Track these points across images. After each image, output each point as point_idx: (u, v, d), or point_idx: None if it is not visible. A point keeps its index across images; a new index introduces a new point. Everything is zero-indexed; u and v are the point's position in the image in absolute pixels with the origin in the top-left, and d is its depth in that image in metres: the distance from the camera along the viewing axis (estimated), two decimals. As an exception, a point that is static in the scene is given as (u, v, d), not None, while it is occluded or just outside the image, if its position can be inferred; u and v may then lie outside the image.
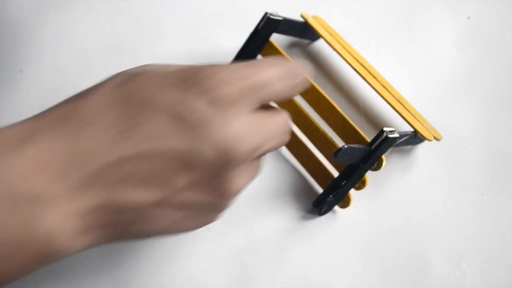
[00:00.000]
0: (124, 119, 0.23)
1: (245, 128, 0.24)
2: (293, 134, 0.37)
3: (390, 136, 0.33)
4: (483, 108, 0.41)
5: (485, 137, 0.40)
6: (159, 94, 0.23)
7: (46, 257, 0.22)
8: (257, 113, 0.25)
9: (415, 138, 0.37)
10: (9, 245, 0.20)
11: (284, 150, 0.40)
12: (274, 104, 0.29)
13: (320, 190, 0.38)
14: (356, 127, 0.36)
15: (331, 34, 0.40)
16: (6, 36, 0.44)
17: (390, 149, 0.34)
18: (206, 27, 0.46)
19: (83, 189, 0.22)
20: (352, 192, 0.37)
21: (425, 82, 0.42)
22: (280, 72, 0.26)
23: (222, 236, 0.38)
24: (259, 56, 0.40)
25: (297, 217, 0.38)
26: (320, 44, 0.44)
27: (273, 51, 0.39)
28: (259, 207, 0.38)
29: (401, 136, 0.34)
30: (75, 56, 0.45)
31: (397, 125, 0.40)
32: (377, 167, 0.35)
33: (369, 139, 0.34)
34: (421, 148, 0.39)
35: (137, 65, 0.26)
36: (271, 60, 0.28)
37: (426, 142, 0.39)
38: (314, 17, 0.41)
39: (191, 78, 0.23)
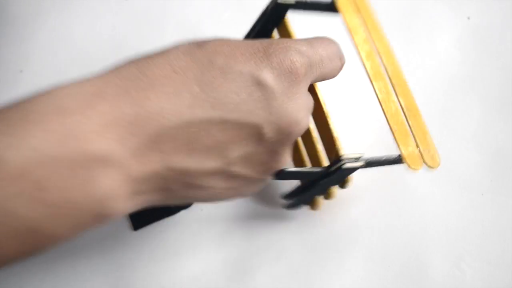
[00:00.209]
0: (197, 82, 0.22)
1: (304, 107, 0.25)
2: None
3: (347, 166, 0.29)
4: (483, 108, 0.41)
5: (485, 137, 0.40)
6: (235, 62, 0.23)
7: (99, 218, 0.21)
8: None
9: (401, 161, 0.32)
10: (68, 203, 0.20)
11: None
12: None
13: None
14: (337, 142, 0.31)
15: (362, 20, 0.33)
16: (6, 36, 0.44)
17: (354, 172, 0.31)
18: (206, 27, 0.46)
19: (147, 152, 0.21)
20: (352, 191, 0.37)
21: (425, 82, 0.42)
22: (332, 52, 0.27)
23: (222, 236, 0.38)
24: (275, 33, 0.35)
25: (297, 217, 0.38)
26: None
27: (287, 32, 0.34)
28: (259, 207, 0.38)
29: (372, 162, 0.30)
30: (75, 56, 0.45)
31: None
32: (343, 185, 0.33)
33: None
34: (421, 148, 0.40)
35: None
36: (323, 39, 0.28)
37: None
38: None
39: (265, 50, 0.24)
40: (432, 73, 0.42)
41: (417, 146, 0.31)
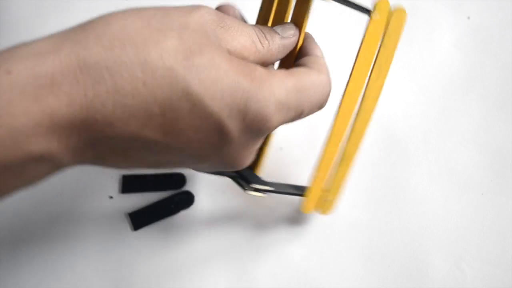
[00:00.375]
0: (161, 105, 0.21)
1: (255, 150, 0.26)
2: None
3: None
4: (483, 108, 0.41)
5: (485, 137, 0.40)
6: (211, 101, 0.22)
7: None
8: None
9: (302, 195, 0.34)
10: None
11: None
12: None
13: None
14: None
15: (382, 40, 0.30)
16: (6, 36, 0.44)
17: None
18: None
19: (82, 148, 0.21)
20: (352, 191, 0.37)
21: (425, 82, 0.42)
22: (317, 104, 0.26)
23: (222, 237, 0.38)
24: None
25: (297, 218, 0.38)
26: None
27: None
28: (260, 207, 0.38)
29: (279, 189, 0.34)
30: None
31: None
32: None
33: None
34: (420, 148, 0.39)
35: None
36: (319, 85, 0.25)
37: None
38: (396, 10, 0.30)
39: (246, 103, 0.22)
40: (432, 73, 0.42)
41: (324, 191, 0.33)
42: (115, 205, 0.38)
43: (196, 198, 0.38)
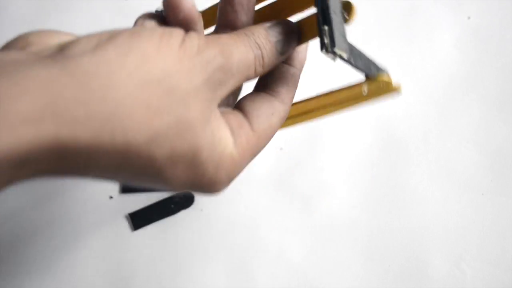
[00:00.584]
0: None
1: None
2: None
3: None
4: (483, 108, 0.41)
5: (485, 137, 0.40)
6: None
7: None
8: None
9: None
10: None
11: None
12: None
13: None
14: None
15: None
16: (6, 36, 0.44)
17: None
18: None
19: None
20: (352, 191, 0.37)
21: (425, 82, 0.42)
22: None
23: (222, 236, 0.38)
24: None
25: (296, 217, 0.38)
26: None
27: None
28: (260, 207, 0.38)
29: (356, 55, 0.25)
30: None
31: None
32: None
33: None
34: (420, 148, 0.39)
35: None
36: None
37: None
38: None
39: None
40: (432, 73, 0.42)
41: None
42: (115, 205, 0.38)
43: (196, 198, 0.38)
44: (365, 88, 0.26)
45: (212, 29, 0.26)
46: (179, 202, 0.38)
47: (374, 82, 0.26)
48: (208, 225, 0.38)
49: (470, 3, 0.44)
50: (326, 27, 0.22)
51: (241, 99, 0.24)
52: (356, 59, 0.24)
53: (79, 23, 0.46)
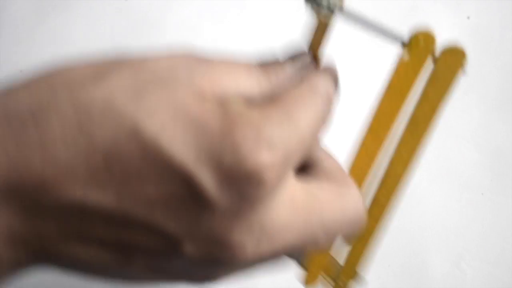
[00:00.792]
0: (104, 150, 0.15)
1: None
2: None
3: None
4: (482, 108, 0.41)
5: (484, 137, 0.40)
6: (168, 141, 0.15)
7: None
8: None
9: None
10: None
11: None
12: None
13: None
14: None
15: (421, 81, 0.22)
16: (6, 36, 0.44)
17: None
18: (206, 27, 0.46)
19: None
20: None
21: (425, 82, 0.42)
22: (319, 118, 0.19)
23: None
24: None
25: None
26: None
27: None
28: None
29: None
30: (75, 56, 0.45)
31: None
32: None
33: None
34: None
35: None
36: (307, 96, 0.19)
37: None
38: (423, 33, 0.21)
39: (222, 135, 0.15)
40: (432, 73, 0.42)
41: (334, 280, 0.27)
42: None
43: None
44: (405, 55, 0.21)
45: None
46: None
47: (411, 43, 0.20)
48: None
49: (470, 3, 0.44)
50: None
51: None
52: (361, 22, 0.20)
53: (78, 23, 0.46)
